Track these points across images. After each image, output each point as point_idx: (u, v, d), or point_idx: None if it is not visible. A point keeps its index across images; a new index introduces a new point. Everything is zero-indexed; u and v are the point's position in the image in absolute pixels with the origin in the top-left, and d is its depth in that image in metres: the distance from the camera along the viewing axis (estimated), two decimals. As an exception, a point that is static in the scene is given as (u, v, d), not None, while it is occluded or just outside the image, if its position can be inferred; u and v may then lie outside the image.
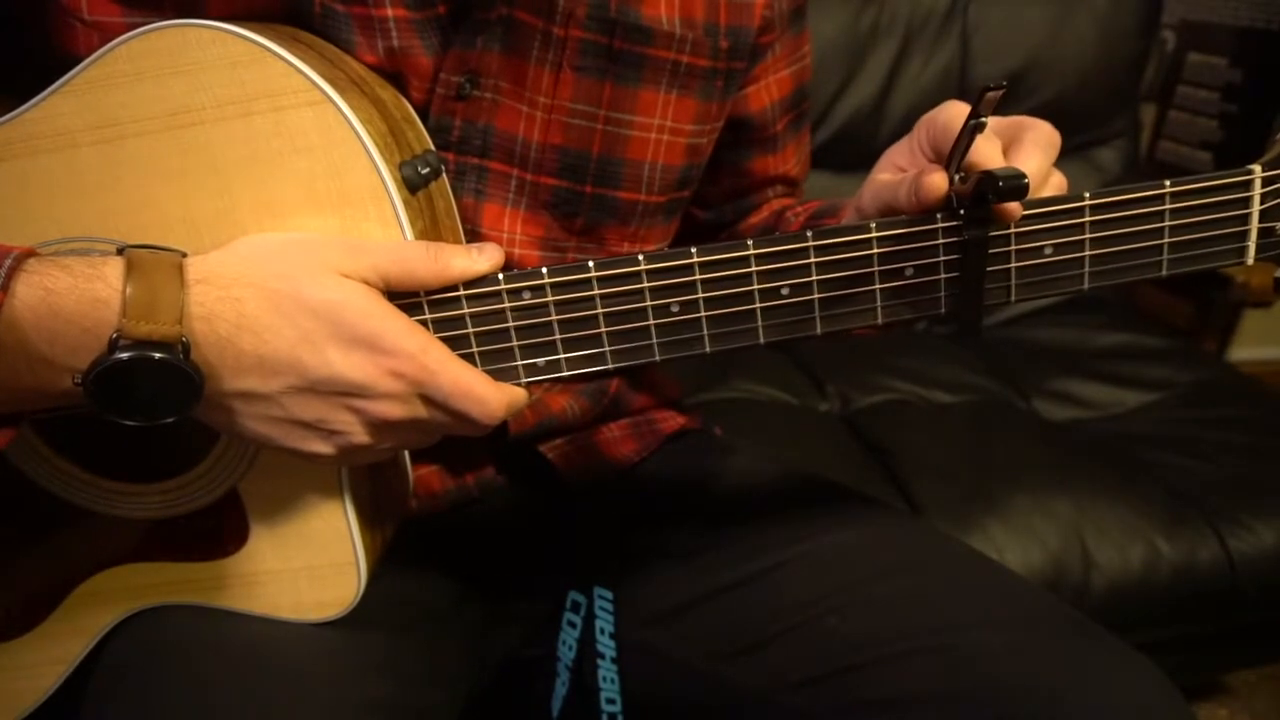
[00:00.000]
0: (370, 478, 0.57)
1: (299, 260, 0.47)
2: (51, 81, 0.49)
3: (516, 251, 0.63)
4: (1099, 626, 0.60)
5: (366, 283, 0.48)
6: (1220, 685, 1.50)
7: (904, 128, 0.56)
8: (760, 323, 0.52)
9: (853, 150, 1.52)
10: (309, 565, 0.56)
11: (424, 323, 0.51)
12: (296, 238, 0.49)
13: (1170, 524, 1.12)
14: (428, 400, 0.49)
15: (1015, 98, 1.53)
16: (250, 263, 0.47)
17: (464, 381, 0.49)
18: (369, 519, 0.57)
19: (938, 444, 1.23)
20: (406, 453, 0.62)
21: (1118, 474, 1.19)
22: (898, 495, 1.15)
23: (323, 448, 0.50)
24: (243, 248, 0.48)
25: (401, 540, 0.63)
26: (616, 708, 0.66)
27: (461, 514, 0.70)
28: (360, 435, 0.49)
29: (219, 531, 0.56)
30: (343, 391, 0.48)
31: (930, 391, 1.38)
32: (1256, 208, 0.51)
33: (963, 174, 0.49)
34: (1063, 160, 0.52)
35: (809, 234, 0.50)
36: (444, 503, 0.69)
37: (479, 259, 0.50)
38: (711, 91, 0.67)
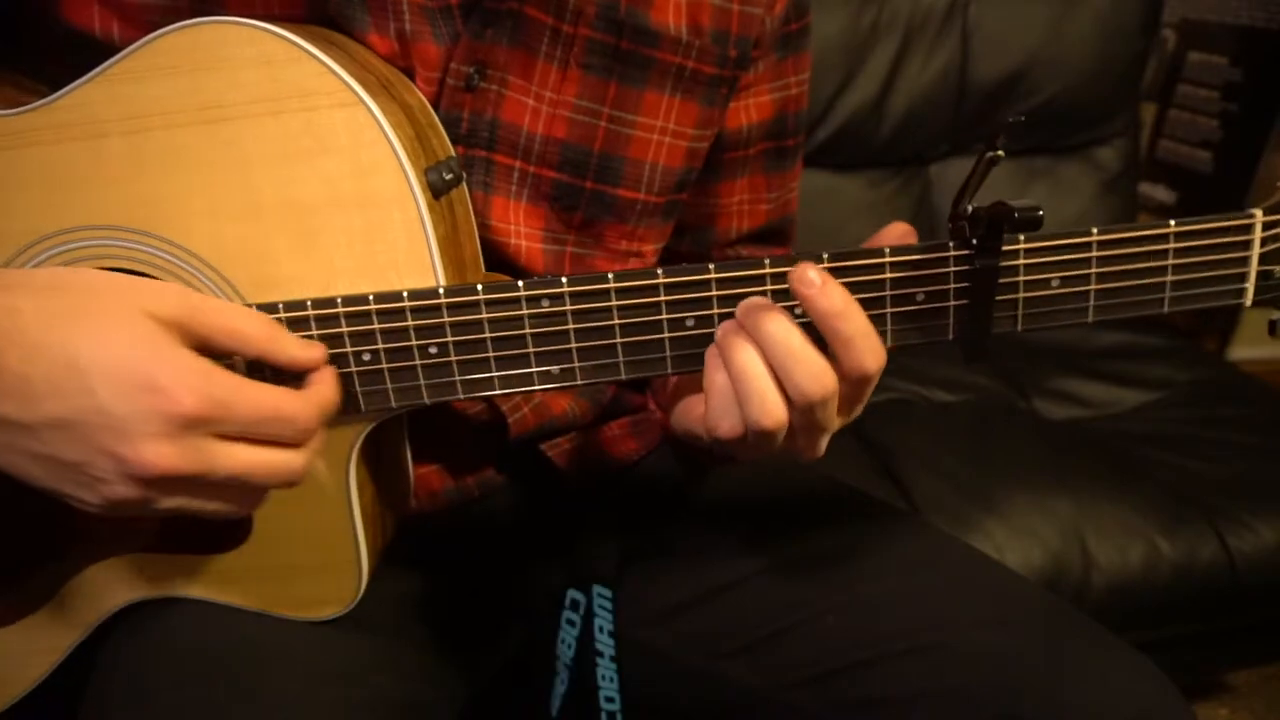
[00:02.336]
0: (373, 476, 0.58)
1: (104, 294, 0.45)
2: (57, 58, 0.50)
3: (523, 244, 0.63)
4: (1099, 626, 0.60)
5: (174, 323, 0.45)
6: (1220, 684, 1.50)
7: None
8: None
9: (852, 149, 1.52)
10: (311, 562, 0.57)
11: (440, 326, 0.51)
12: (125, 277, 0.46)
13: (1170, 523, 1.12)
14: (225, 436, 0.45)
15: (1015, 97, 1.53)
16: (51, 283, 0.45)
17: (266, 400, 0.45)
18: (371, 517, 0.57)
19: (938, 443, 1.23)
20: (408, 450, 0.62)
21: (1118, 473, 1.19)
22: (898, 495, 1.15)
23: (87, 495, 0.45)
24: (63, 270, 0.46)
25: (401, 539, 0.63)
26: (616, 706, 0.66)
27: (461, 513, 0.70)
28: (120, 487, 0.44)
29: (221, 525, 0.56)
30: (108, 426, 0.43)
31: (930, 391, 1.38)
32: (1256, 251, 0.52)
33: (976, 205, 0.49)
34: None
35: (824, 255, 0.50)
36: (444, 502, 0.69)
37: (310, 351, 0.49)
38: (715, 98, 0.67)
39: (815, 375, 0.48)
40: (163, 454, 0.43)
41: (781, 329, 0.48)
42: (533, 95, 0.61)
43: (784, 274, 0.50)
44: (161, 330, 0.44)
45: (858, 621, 0.61)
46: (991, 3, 1.52)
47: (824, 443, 0.52)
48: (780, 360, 0.48)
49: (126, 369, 0.43)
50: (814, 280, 0.47)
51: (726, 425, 0.50)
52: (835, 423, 0.51)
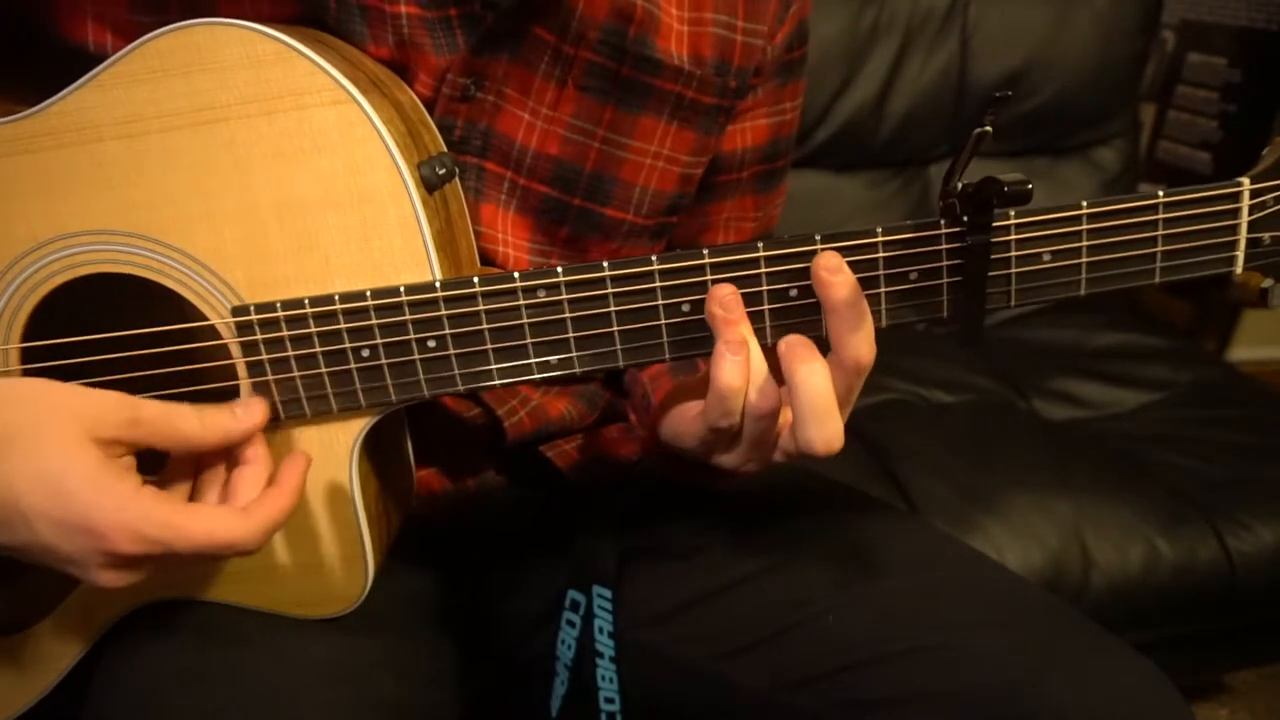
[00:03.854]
0: (376, 472, 0.58)
1: (44, 417, 0.46)
2: (52, 71, 0.50)
3: (511, 253, 0.63)
4: (1099, 626, 0.60)
5: (116, 440, 0.47)
6: (1220, 685, 1.50)
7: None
8: (768, 324, 0.52)
9: (852, 150, 1.52)
10: (316, 561, 0.57)
11: (438, 320, 0.51)
12: (65, 391, 0.47)
13: (1170, 524, 1.12)
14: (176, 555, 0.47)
15: (1015, 97, 1.53)
16: None
17: (203, 534, 0.47)
18: (375, 513, 0.57)
19: (937, 444, 1.23)
20: (409, 445, 0.62)
21: (1117, 474, 1.19)
22: (898, 495, 1.15)
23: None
24: (3, 384, 0.48)
25: (402, 540, 0.63)
26: (615, 707, 0.66)
27: (461, 514, 0.70)
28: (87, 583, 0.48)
29: None
30: (56, 558, 0.47)
31: (930, 391, 1.38)
32: (1245, 219, 0.52)
33: (966, 181, 0.50)
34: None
35: (817, 237, 0.51)
36: (444, 503, 0.69)
37: (247, 420, 0.50)
38: (712, 127, 0.67)
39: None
40: (112, 578, 0.47)
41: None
42: (529, 110, 0.61)
43: (777, 256, 0.51)
44: (104, 461, 0.46)
45: (857, 622, 0.61)
46: (991, 3, 1.52)
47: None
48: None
49: (66, 514, 0.45)
50: (837, 267, 0.50)
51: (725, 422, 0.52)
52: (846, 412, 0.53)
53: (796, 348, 0.50)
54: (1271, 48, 1.67)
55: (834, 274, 0.50)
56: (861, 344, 0.51)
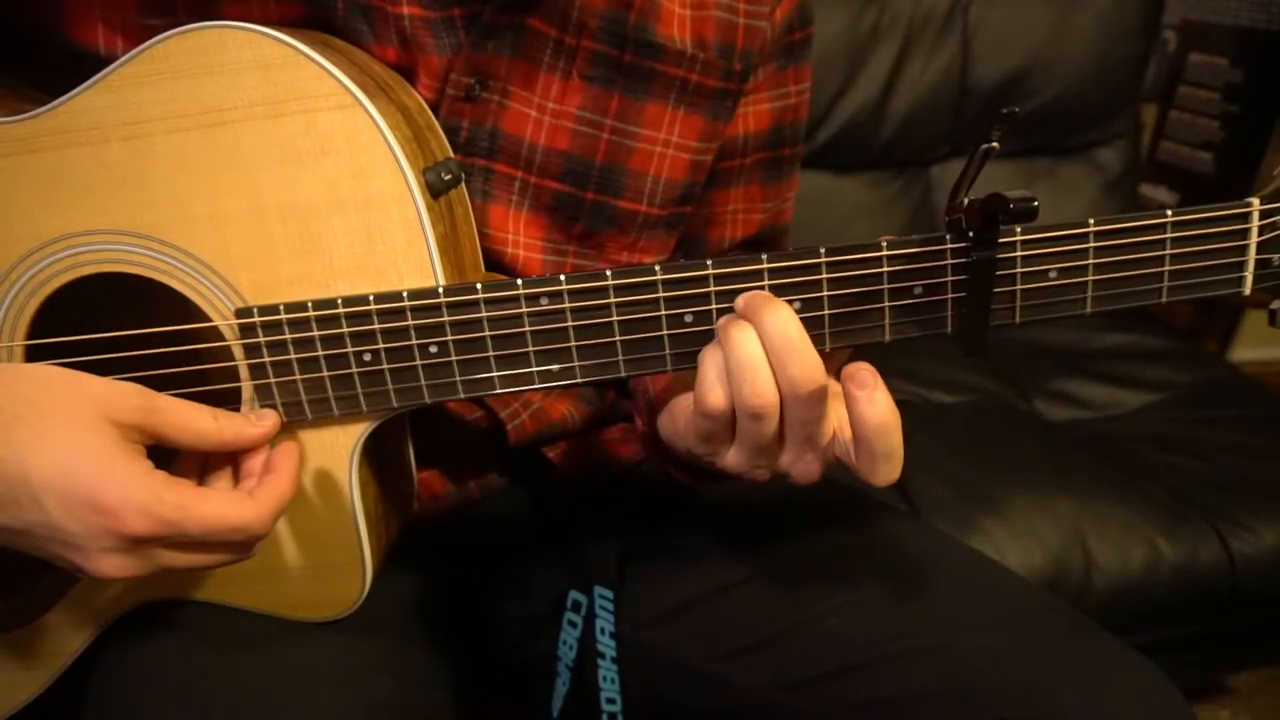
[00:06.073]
0: (376, 476, 0.58)
1: (65, 398, 0.46)
2: (61, 74, 0.50)
3: (521, 254, 0.63)
4: (1099, 626, 0.60)
5: (134, 426, 0.47)
6: (1221, 686, 1.50)
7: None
8: None
9: (853, 151, 1.52)
10: (314, 564, 0.57)
11: (440, 326, 0.51)
12: (87, 377, 0.47)
13: (1171, 524, 1.12)
14: (175, 546, 0.47)
15: (1017, 98, 1.53)
16: (11, 383, 0.46)
17: (215, 516, 0.47)
18: (375, 518, 0.57)
19: (938, 444, 1.23)
20: (411, 451, 0.62)
21: (1118, 474, 1.19)
22: (898, 496, 1.15)
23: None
24: (25, 370, 0.48)
25: (403, 541, 0.63)
26: (616, 707, 0.66)
27: (463, 515, 0.70)
28: (80, 572, 0.47)
29: None
30: (61, 540, 0.46)
31: (930, 391, 1.38)
32: (1254, 240, 0.52)
33: (972, 197, 0.49)
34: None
35: (822, 250, 0.50)
36: (445, 505, 0.69)
37: (260, 427, 0.51)
38: (719, 111, 0.67)
39: (810, 368, 0.48)
40: (115, 565, 0.46)
41: (781, 319, 0.48)
42: (535, 106, 0.61)
43: (781, 269, 0.50)
44: (118, 441, 0.46)
45: (858, 623, 0.61)
46: (992, 4, 1.52)
47: (816, 463, 0.52)
48: (777, 349, 0.48)
49: (76, 489, 0.45)
50: (867, 381, 0.46)
51: (714, 397, 0.49)
52: (827, 440, 0.51)
53: (755, 300, 0.49)
54: (1273, 48, 1.67)
55: (860, 387, 0.46)
56: (878, 472, 0.48)
